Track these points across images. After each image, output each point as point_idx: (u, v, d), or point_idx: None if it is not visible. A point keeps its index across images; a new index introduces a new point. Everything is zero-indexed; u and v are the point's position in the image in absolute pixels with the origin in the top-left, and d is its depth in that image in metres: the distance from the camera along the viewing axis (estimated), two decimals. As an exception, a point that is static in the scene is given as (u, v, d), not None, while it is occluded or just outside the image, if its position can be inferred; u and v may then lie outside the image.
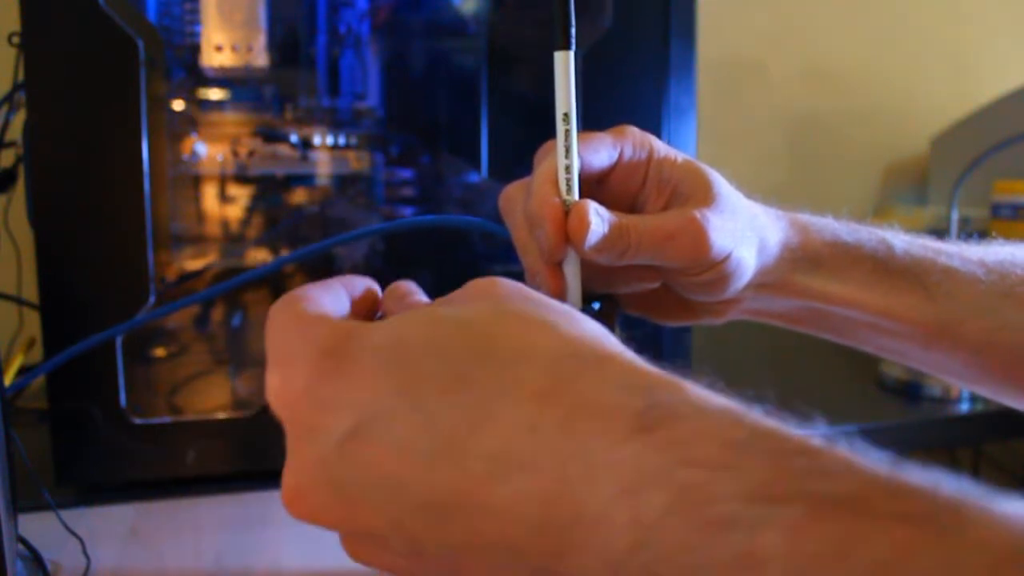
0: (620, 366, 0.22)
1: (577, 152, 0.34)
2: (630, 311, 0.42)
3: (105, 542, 0.54)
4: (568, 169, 0.34)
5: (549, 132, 0.34)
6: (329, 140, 0.76)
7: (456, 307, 0.25)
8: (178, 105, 0.74)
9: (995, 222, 1.01)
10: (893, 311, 0.40)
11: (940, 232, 0.60)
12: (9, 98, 0.59)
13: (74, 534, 0.51)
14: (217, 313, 0.76)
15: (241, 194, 0.77)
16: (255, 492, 0.62)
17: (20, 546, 0.48)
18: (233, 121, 0.76)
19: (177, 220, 0.74)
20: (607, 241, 0.34)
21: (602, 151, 0.36)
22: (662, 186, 0.37)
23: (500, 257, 0.74)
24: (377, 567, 0.24)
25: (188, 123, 0.75)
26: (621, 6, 0.64)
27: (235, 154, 0.74)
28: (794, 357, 0.99)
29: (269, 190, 0.76)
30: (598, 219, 0.33)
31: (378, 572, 0.25)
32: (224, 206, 0.77)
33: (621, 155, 0.37)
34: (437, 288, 0.29)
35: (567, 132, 0.33)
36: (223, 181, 0.76)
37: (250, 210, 0.77)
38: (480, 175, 0.78)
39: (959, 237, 0.43)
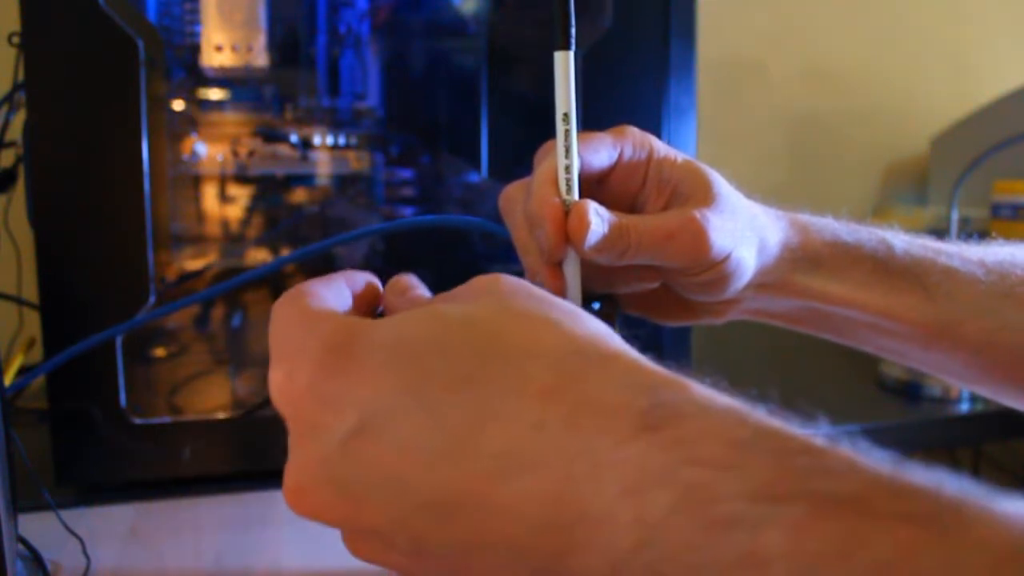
0: (625, 365, 0.22)
1: (577, 152, 0.34)
2: (630, 311, 0.42)
3: (105, 542, 0.54)
4: (568, 169, 0.34)
5: (549, 132, 0.34)
6: (329, 140, 0.76)
7: (460, 305, 0.25)
8: (178, 105, 0.74)
9: (995, 222, 1.01)
10: (893, 311, 0.40)
11: (940, 232, 0.60)
12: (9, 98, 0.59)
13: (74, 534, 0.51)
14: (217, 313, 0.76)
15: (241, 194, 0.77)
16: (255, 492, 0.62)
17: (20, 546, 0.48)
18: (233, 121, 0.76)
19: (177, 220, 0.74)
20: (607, 241, 0.34)
21: (602, 151, 0.36)
22: (662, 186, 0.37)
23: (500, 257, 0.74)
24: (379, 564, 0.24)
25: (188, 123, 0.75)
26: (621, 6, 0.64)
27: (235, 154, 0.74)
28: (794, 357, 0.99)
29: (269, 190, 0.77)
30: (598, 219, 0.33)
31: (381, 570, 0.25)
32: (224, 206, 0.77)
33: (621, 155, 0.37)
34: (437, 288, 0.29)
35: (567, 132, 0.33)
36: (223, 181, 0.76)
37: (250, 210, 0.77)
38: (480, 175, 0.78)
39: (959, 237, 0.43)
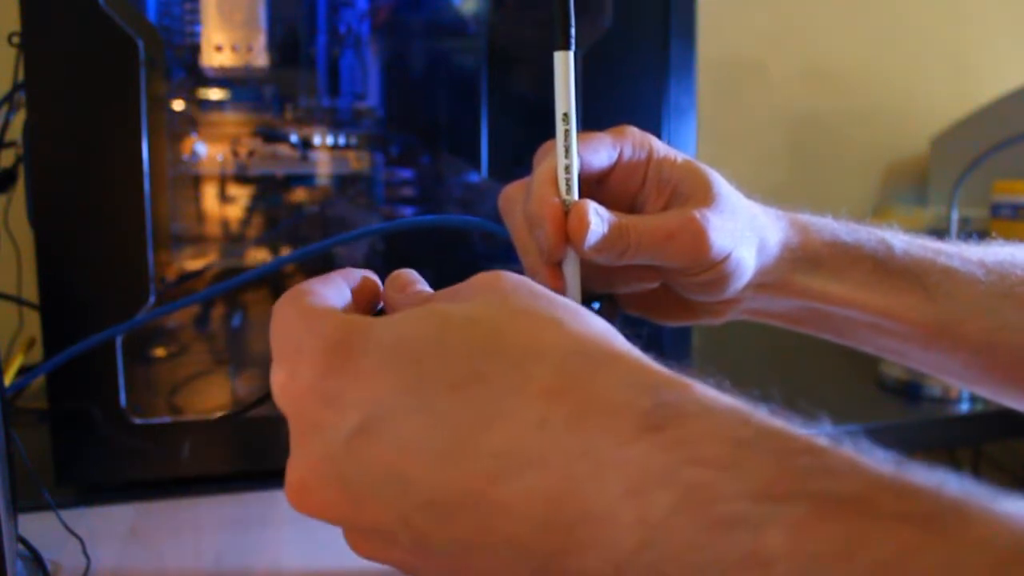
0: (628, 365, 0.22)
1: (577, 152, 0.34)
2: (630, 311, 0.42)
3: (105, 542, 0.54)
4: (568, 169, 0.34)
5: (549, 132, 0.34)
6: (329, 140, 0.76)
7: (461, 303, 0.25)
8: (178, 105, 0.74)
9: (995, 222, 1.01)
10: (893, 311, 0.40)
11: (940, 232, 0.60)
12: (9, 98, 0.59)
13: (74, 534, 0.51)
14: (217, 313, 0.76)
15: (241, 194, 0.77)
16: (255, 492, 0.62)
17: (20, 546, 0.48)
18: (233, 121, 0.76)
19: (177, 220, 0.74)
20: (607, 241, 0.34)
21: (602, 151, 0.36)
22: (662, 186, 0.37)
23: (500, 257, 0.74)
24: (380, 562, 0.25)
25: (188, 123, 0.75)
26: (621, 6, 0.64)
27: (235, 154, 0.74)
28: (794, 357, 0.98)
29: (269, 190, 0.77)
30: (598, 219, 0.33)
31: (381, 570, 0.25)
32: (224, 206, 0.77)
33: (621, 155, 0.37)
34: (437, 288, 0.29)
35: (567, 132, 0.33)
36: (223, 181, 0.76)
37: (250, 210, 0.77)
38: (480, 175, 0.78)
39: (959, 237, 0.43)
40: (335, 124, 0.76)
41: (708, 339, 0.89)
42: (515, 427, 0.21)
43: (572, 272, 0.35)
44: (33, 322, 0.63)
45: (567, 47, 0.33)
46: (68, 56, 0.55)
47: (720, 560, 0.18)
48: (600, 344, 0.23)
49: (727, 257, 0.36)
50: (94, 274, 0.57)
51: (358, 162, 0.77)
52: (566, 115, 0.33)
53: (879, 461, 0.18)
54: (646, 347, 0.24)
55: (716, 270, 0.36)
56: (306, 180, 0.77)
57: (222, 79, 0.74)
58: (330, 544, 0.53)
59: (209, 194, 0.76)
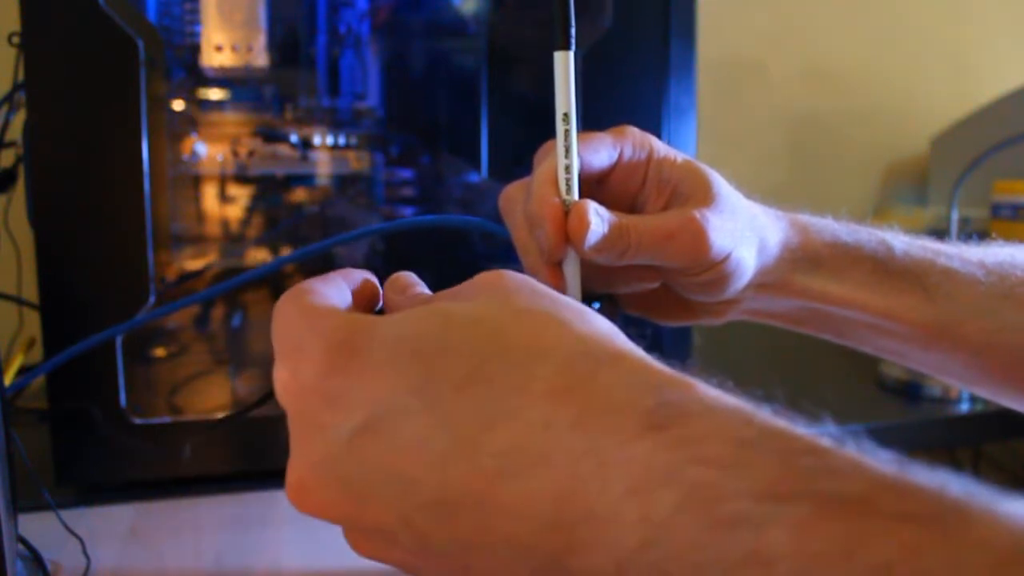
0: (632, 365, 0.22)
1: (577, 152, 0.34)
2: (630, 311, 0.42)
3: (105, 542, 0.54)
4: (568, 169, 0.34)
5: (549, 132, 0.34)
6: (329, 140, 0.76)
7: (464, 302, 0.25)
8: (178, 105, 0.74)
9: (995, 222, 1.01)
10: (893, 312, 0.40)
11: (940, 232, 0.60)
12: (9, 98, 0.59)
13: (74, 534, 0.51)
14: (217, 313, 0.76)
15: (241, 194, 0.77)
16: (255, 492, 0.62)
17: (20, 546, 0.48)
18: (233, 121, 0.76)
19: (177, 220, 0.74)
20: (607, 241, 0.34)
21: (602, 151, 0.36)
22: (662, 186, 0.37)
23: (500, 257, 0.74)
24: (381, 561, 0.25)
25: (188, 123, 0.75)
26: (621, 6, 0.64)
27: (235, 154, 0.74)
28: (794, 357, 0.98)
29: (269, 190, 0.77)
30: (598, 219, 0.34)
31: (382, 570, 0.25)
32: (224, 206, 0.77)
33: (621, 155, 0.37)
34: (437, 289, 0.29)
35: (567, 132, 0.33)
36: (223, 181, 0.76)
37: (250, 210, 0.77)
38: (480, 175, 0.78)
39: (959, 237, 0.43)
40: (335, 124, 0.76)
41: (708, 339, 0.89)
42: (518, 427, 0.21)
43: (572, 272, 0.35)
44: (33, 322, 0.63)
45: (567, 47, 0.33)
46: (68, 56, 0.55)
47: (723, 559, 0.18)
48: (603, 344, 0.23)
49: (727, 257, 0.36)
50: (94, 274, 0.57)
51: (358, 162, 0.77)
52: (566, 115, 0.33)
53: (882, 461, 0.18)
54: (648, 347, 0.24)
55: (716, 270, 0.36)
56: (306, 180, 0.77)
57: (222, 79, 0.74)
58: (330, 544, 0.53)
59: (209, 194, 0.76)
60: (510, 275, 0.26)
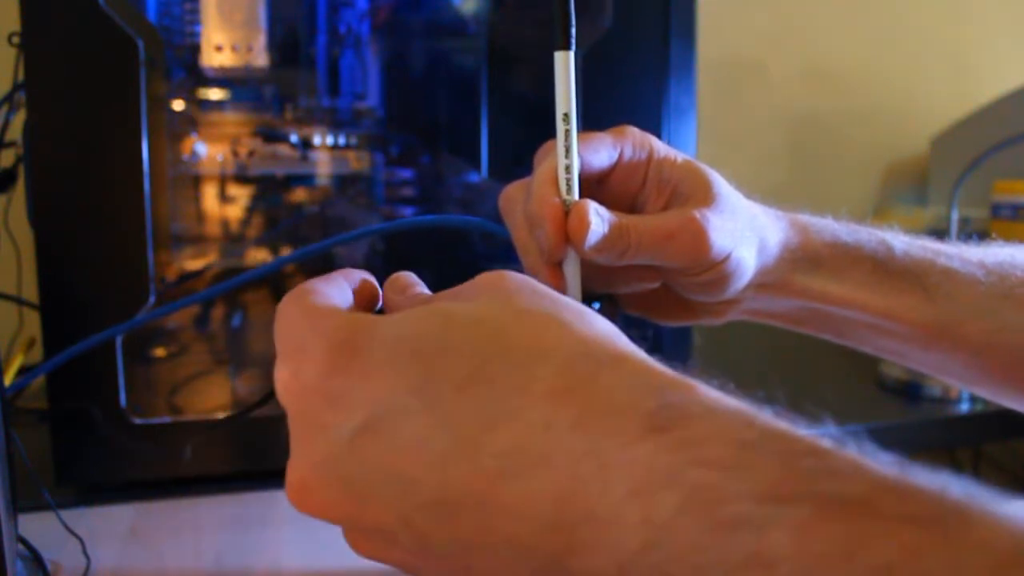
0: (632, 366, 0.22)
1: (577, 152, 0.34)
2: (630, 311, 0.42)
3: (105, 542, 0.54)
4: (568, 169, 0.34)
5: (549, 132, 0.34)
6: (329, 140, 0.76)
7: (465, 303, 0.25)
8: (178, 105, 0.74)
9: (995, 222, 1.01)
10: (893, 312, 0.40)
11: (940, 232, 0.60)
12: (9, 98, 0.59)
13: (74, 534, 0.51)
14: (217, 313, 0.76)
15: (241, 194, 0.77)
16: (255, 492, 0.62)
17: (20, 546, 0.48)
18: (233, 121, 0.76)
19: (177, 220, 0.74)
20: (607, 241, 0.34)
21: (602, 151, 0.36)
22: (662, 186, 0.37)
23: (500, 257, 0.74)
24: (381, 562, 0.25)
25: (188, 123, 0.75)
26: (621, 6, 0.64)
27: (235, 154, 0.74)
28: (794, 357, 0.98)
29: (269, 190, 0.76)
30: (598, 219, 0.34)
31: (382, 570, 0.25)
32: (224, 206, 0.77)
33: (621, 155, 0.37)
34: (437, 289, 0.29)
35: (567, 132, 0.33)
36: (223, 181, 0.76)
37: (250, 210, 0.77)
38: (480, 175, 0.78)
39: (959, 237, 0.43)
40: (335, 124, 0.76)
41: (708, 339, 0.89)
42: (519, 427, 0.21)
43: (572, 272, 0.35)
44: (33, 322, 0.63)
45: (567, 47, 0.33)
46: (68, 56, 0.55)
47: (724, 561, 0.18)
48: (604, 345, 0.23)
49: (727, 257, 0.36)
50: (94, 274, 0.57)
51: (358, 162, 0.77)
52: (566, 115, 0.33)
53: (883, 463, 0.18)
54: (648, 348, 0.24)
55: (716, 270, 0.36)
56: (306, 180, 0.77)
57: (222, 79, 0.74)
58: (330, 544, 0.53)
59: (209, 194, 0.76)
60: (511, 276, 0.26)
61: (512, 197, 0.38)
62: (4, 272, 0.73)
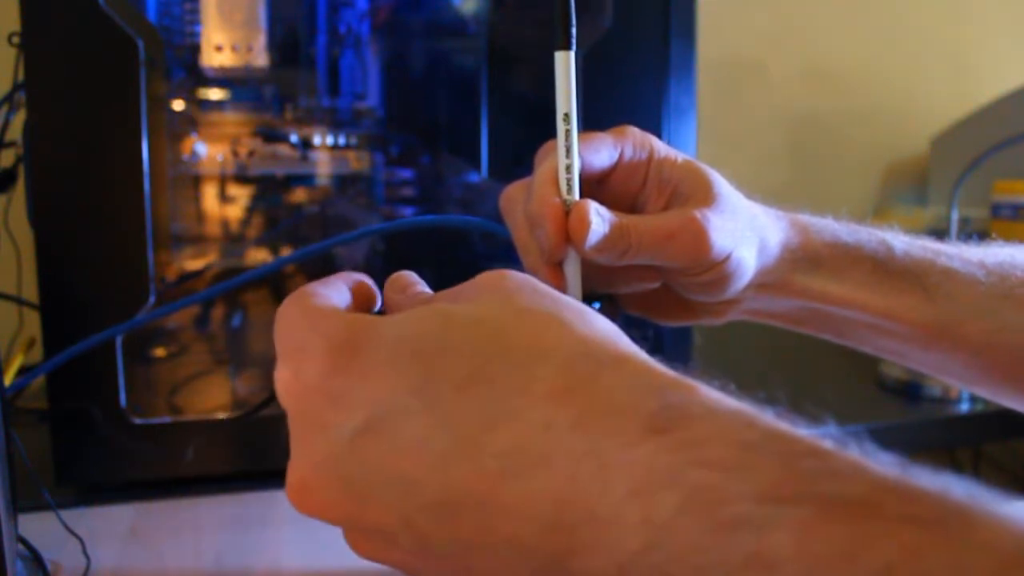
0: (634, 367, 0.22)
1: (578, 152, 0.34)
2: (630, 311, 0.42)
3: (105, 542, 0.54)
4: (569, 169, 0.34)
5: (549, 132, 0.34)
6: (329, 140, 0.76)
7: (468, 303, 0.25)
8: (178, 105, 0.74)
9: (995, 222, 1.01)
10: (893, 312, 0.40)
11: (940, 232, 0.60)
12: (9, 98, 0.59)
13: (74, 534, 0.51)
14: (217, 313, 0.76)
15: (241, 194, 0.77)
16: (255, 492, 0.62)
17: (20, 546, 0.48)
18: (233, 121, 0.76)
19: (177, 220, 0.74)
20: (608, 241, 0.34)
21: (603, 151, 0.36)
22: (662, 186, 0.37)
23: (500, 257, 0.74)
24: (381, 562, 0.25)
25: (188, 123, 0.75)
26: (621, 6, 0.64)
27: (235, 154, 0.74)
28: (794, 357, 0.98)
29: (269, 190, 0.76)
30: (599, 219, 0.34)
31: (382, 570, 0.25)
32: (224, 206, 0.77)
33: (622, 155, 0.37)
34: (438, 289, 0.29)
35: (568, 132, 0.33)
36: (223, 181, 0.76)
37: (250, 210, 0.77)
38: (480, 175, 0.78)
39: (959, 237, 0.43)
40: (335, 124, 0.76)
41: (708, 339, 0.89)
42: (520, 428, 0.21)
43: (573, 272, 0.35)
44: (33, 322, 0.62)
45: (568, 47, 0.33)
46: (68, 56, 0.55)
47: (725, 562, 0.17)
48: (605, 345, 0.23)
49: (728, 257, 0.36)
50: (94, 274, 0.57)
51: (358, 162, 0.76)
52: (567, 115, 0.33)
53: (884, 464, 0.18)
54: (649, 349, 0.24)
55: (717, 270, 0.36)
56: (306, 180, 0.77)
57: (222, 79, 0.74)
58: (330, 544, 0.53)
59: (209, 194, 0.76)
60: (512, 275, 0.26)
61: (513, 197, 0.38)
62: (4, 272, 0.73)
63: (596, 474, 0.20)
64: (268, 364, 0.25)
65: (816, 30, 1.27)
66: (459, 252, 0.76)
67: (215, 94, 0.75)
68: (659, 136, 0.39)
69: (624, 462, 0.20)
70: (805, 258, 0.40)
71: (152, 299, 0.58)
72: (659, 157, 0.37)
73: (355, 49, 0.76)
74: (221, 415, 0.64)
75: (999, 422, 0.84)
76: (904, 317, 0.40)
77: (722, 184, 0.37)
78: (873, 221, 0.42)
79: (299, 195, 0.78)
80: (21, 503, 0.47)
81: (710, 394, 0.21)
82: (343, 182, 0.77)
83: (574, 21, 0.33)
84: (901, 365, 0.45)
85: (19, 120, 0.59)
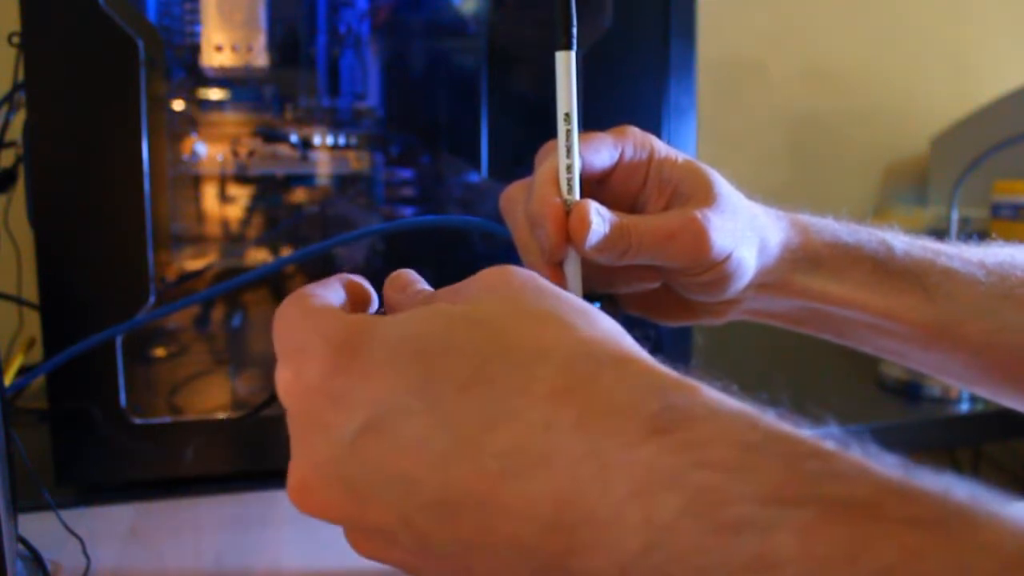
0: (636, 367, 0.22)
1: (578, 152, 0.34)
2: (631, 311, 0.42)
3: (105, 542, 0.54)
4: (569, 169, 0.34)
5: (549, 132, 0.34)
6: (329, 140, 0.76)
7: (469, 303, 0.25)
8: (178, 105, 0.74)
9: (995, 222, 1.01)
10: (893, 312, 0.40)
11: (940, 232, 0.60)
12: (9, 98, 0.59)
13: (74, 534, 0.51)
14: (217, 313, 0.76)
15: (241, 194, 0.77)
16: (255, 492, 0.62)
17: (20, 546, 0.48)
18: (233, 121, 0.76)
19: (177, 220, 0.74)
20: (608, 241, 0.34)
21: (603, 151, 0.36)
22: (663, 186, 0.37)
23: (500, 257, 0.74)
24: (381, 561, 0.25)
25: (188, 123, 0.75)
26: (621, 6, 0.64)
27: (235, 154, 0.74)
28: (794, 357, 0.98)
29: (269, 190, 0.76)
30: (599, 219, 0.34)
31: (381, 570, 0.25)
32: (224, 206, 0.77)
33: (622, 155, 0.37)
34: (435, 287, 0.29)
35: (568, 132, 0.33)
36: (223, 181, 0.76)
37: (250, 210, 0.77)
38: (480, 175, 0.78)
39: (959, 237, 0.43)
40: (335, 124, 0.76)
41: (708, 339, 0.89)
42: (520, 428, 0.21)
43: (573, 272, 0.35)
44: (33, 322, 0.62)
45: (569, 47, 0.33)
46: (68, 56, 0.55)
47: (727, 563, 0.17)
48: (607, 345, 0.23)
49: (728, 257, 0.36)
50: (94, 274, 0.57)
51: (358, 162, 0.76)
52: (568, 115, 0.33)
53: (886, 465, 0.18)
54: (651, 349, 0.23)
55: (717, 270, 0.36)
56: (306, 180, 0.77)
57: (222, 79, 0.74)
58: (331, 544, 0.53)
59: (209, 194, 0.76)
60: (515, 271, 0.26)
61: (513, 197, 0.38)
62: (4, 272, 0.73)
63: (597, 474, 0.20)
64: (268, 364, 0.25)
65: (816, 30, 1.27)
66: (459, 252, 0.76)
67: (215, 94, 0.75)
68: (659, 136, 0.39)
69: (625, 463, 0.20)
70: (805, 258, 0.40)
71: (152, 299, 0.58)
72: (659, 157, 0.37)
73: (355, 49, 0.76)
74: (221, 415, 0.64)
75: (999, 422, 0.84)
76: (904, 317, 0.40)
77: (722, 184, 0.37)
78: (873, 221, 0.42)
79: (299, 195, 0.78)
80: (21, 503, 0.47)
81: (712, 395, 0.21)
82: (343, 182, 0.77)
83: (575, 21, 0.33)
84: (901, 365, 0.45)
85: (19, 120, 0.59)
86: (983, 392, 0.43)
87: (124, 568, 0.51)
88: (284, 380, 0.24)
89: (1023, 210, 0.98)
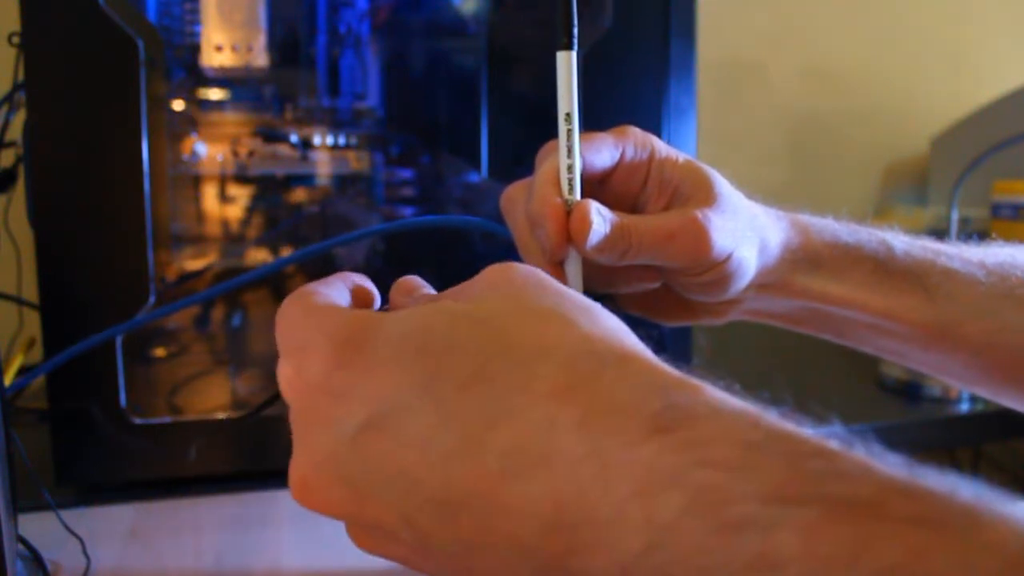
0: (638, 366, 0.22)
1: (579, 152, 0.34)
2: (631, 311, 0.42)
3: (105, 542, 0.54)
4: (570, 169, 0.34)
5: (549, 132, 0.34)
6: (329, 140, 0.76)
7: (473, 302, 0.25)
8: (178, 105, 0.74)
9: (995, 222, 1.01)
10: (893, 312, 0.40)
11: (940, 232, 0.60)
12: (9, 98, 0.59)
13: (74, 534, 0.51)
14: (217, 313, 0.76)
15: (241, 194, 0.77)
16: (255, 492, 0.62)
17: (20, 546, 0.48)
18: (233, 121, 0.76)
19: (177, 220, 0.74)
20: (609, 241, 0.34)
21: (604, 151, 0.36)
22: (663, 186, 0.37)
23: (500, 257, 0.74)
24: (382, 557, 0.25)
25: (188, 123, 0.75)
26: (621, 6, 0.64)
27: (235, 154, 0.74)
28: (794, 357, 0.99)
29: (269, 190, 0.76)
30: (600, 219, 0.34)
31: (381, 569, 0.25)
32: (224, 206, 0.77)
33: (623, 155, 0.37)
34: (440, 289, 0.29)
35: (569, 132, 0.33)
36: (223, 181, 0.76)
37: (250, 210, 0.77)
38: (480, 175, 0.78)
39: (959, 237, 0.43)
40: (335, 124, 0.76)
41: (708, 339, 0.89)
42: (521, 426, 0.21)
43: (574, 272, 0.35)
44: (33, 322, 0.62)
45: (570, 47, 0.33)
46: (68, 56, 0.55)
47: (729, 563, 0.17)
48: (609, 343, 0.23)
49: (728, 257, 0.36)
50: (94, 274, 0.57)
51: (358, 162, 0.76)
52: (568, 115, 0.33)
53: (890, 465, 0.18)
54: (654, 348, 0.23)
55: (717, 270, 0.36)
56: (306, 180, 0.77)
57: (222, 79, 0.74)
58: (331, 544, 0.53)
59: (209, 194, 0.76)
60: (518, 269, 0.26)
61: (513, 197, 0.38)
62: (4, 272, 0.73)
63: (598, 474, 0.20)
64: (268, 364, 0.25)
65: (816, 30, 1.27)
66: (459, 252, 0.76)
67: (215, 94, 0.75)
68: (659, 136, 0.39)
69: (627, 462, 0.19)
70: (805, 258, 0.40)
71: (152, 299, 0.58)
72: (660, 157, 0.37)
73: (355, 49, 0.76)
74: (221, 415, 0.64)
75: (999, 422, 0.84)
76: (904, 317, 0.40)
77: (723, 184, 0.37)
78: (873, 221, 0.42)
79: (299, 195, 0.78)
80: (21, 503, 0.47)
81: (715, 394, 0.21)
82: (343, 182, 0.77)
83: (576, 21, 0.33)
84: (901, 365, 0.45)
85: (19, 120, 0.59)
86: (983, 392, 0.43)
87: (124, 568, 0.51)
88: (286, 377, 0.24)
89: (1023, 210, 0.98)
